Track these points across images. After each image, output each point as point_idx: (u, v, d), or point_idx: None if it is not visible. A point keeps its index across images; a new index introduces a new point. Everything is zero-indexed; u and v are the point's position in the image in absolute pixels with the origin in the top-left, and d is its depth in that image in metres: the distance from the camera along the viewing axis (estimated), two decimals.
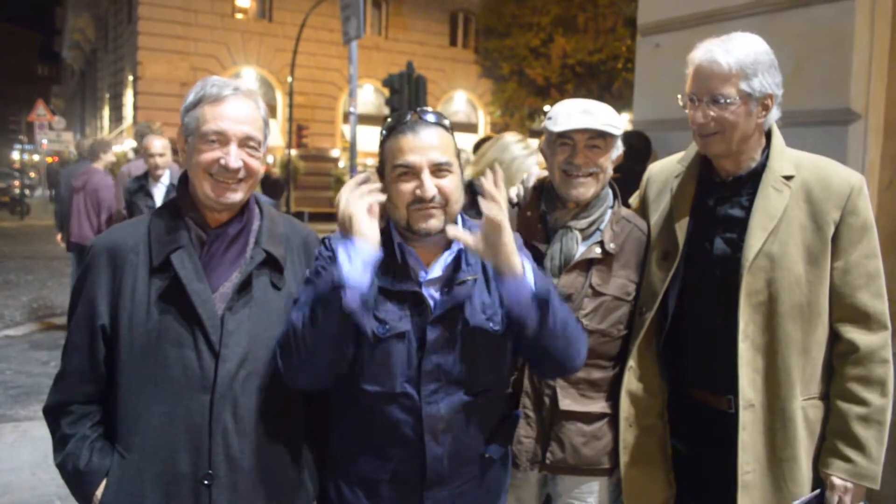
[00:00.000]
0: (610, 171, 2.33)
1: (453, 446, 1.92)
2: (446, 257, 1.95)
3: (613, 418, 2.32)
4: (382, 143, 1.95)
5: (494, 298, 1.96)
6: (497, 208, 1.75)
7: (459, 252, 1.95)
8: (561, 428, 2.29)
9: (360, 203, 1.77)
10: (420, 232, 1.89)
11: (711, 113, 2.12)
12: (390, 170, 1.91)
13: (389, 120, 1.97)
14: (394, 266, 1.92)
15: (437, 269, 1.95)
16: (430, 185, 1.86)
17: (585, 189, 2.28)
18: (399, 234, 1.95)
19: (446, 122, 1.96)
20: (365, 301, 1.76)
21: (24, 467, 4.73)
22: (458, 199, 1.92)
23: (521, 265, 1.81)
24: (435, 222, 1.88)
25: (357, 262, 1.72)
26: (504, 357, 2.01)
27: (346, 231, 1.77)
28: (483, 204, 1.75)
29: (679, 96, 2.23)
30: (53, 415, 1.89)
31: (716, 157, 2.23)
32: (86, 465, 1.81)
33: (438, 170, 1.88)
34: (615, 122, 2.27)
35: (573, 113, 2.26)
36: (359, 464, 1.95)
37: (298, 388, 1.89)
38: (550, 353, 1.90)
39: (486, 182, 1.77)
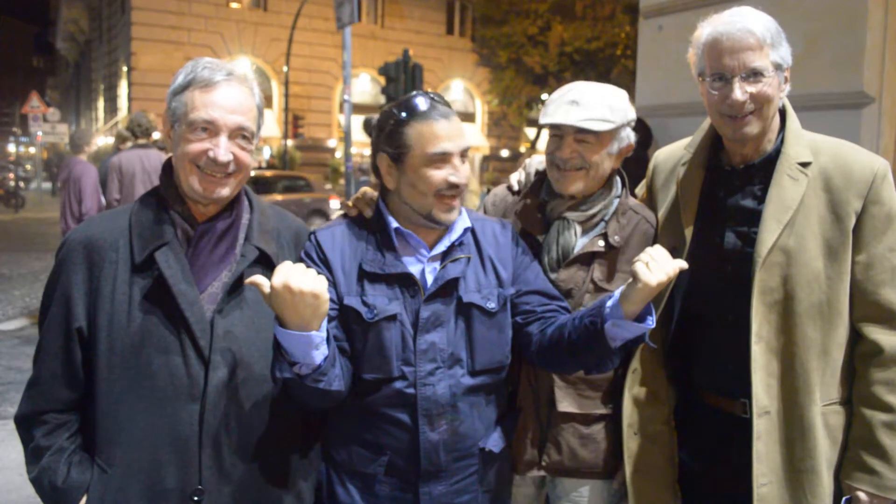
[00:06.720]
0: (607, 166, 2.18)
1: (450, 434, 1.88)
2: (451, 237, 1.94)
3: (612, 419, 2.21)
4: (400, 127, 1.85)
5: (490, 279, 1.95)
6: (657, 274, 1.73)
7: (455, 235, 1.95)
8: (559, 430, 2.19)
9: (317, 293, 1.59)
10: (442, 223, 1.89)
11: (750, 89, 1.92)
12: (422, 155, 1.84)
13: (411, 102, 1.87)
14: (384, 250, 1.90)
15: (439, 247, 1.94)
16: (464, 170, 1.87)
17: (572, 184, 2.16)
18: (401, 219, 1.92)
19: None
20: (325, 371, 1.69)
21: (12, 467, 4.59)
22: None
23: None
24: (455, 213, 1.90)
25: (309, 352, 1.64)
26: (501, 337, 1.96)
27: (298, 322, 1.60)
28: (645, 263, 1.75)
29: (698, 77, 2.03)
30: (26, 425, 1.76)
31: (744, 141, 2.02)
32: (64, 482, 1.68)
33: (463, 155, 1.89)
34: (609, 114, 2.10)
35: (562, 103, 2.13)
36: (353, 458, 1.91)
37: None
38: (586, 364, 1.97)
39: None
